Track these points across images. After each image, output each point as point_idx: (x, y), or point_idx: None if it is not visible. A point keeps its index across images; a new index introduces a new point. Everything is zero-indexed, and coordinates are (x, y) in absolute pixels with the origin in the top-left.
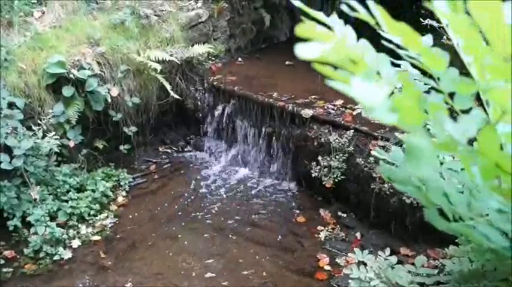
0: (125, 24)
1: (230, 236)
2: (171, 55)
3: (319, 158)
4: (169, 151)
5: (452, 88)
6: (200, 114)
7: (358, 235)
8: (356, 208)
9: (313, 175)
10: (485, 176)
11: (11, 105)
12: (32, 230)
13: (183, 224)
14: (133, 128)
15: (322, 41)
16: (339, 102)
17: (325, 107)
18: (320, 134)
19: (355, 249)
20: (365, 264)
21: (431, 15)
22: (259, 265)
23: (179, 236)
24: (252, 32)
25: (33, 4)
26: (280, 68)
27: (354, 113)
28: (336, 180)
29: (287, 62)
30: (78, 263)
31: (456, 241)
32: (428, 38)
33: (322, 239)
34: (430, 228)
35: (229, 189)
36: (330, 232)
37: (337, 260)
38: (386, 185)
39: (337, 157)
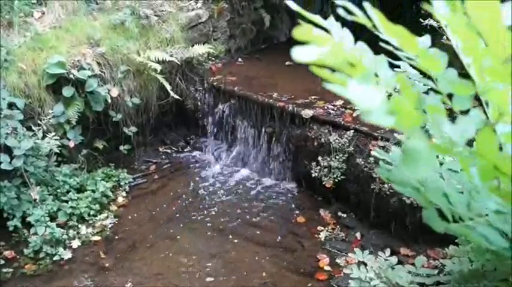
0: (125, 24)
1: (230, 236)
2: (171, 55)
3: (319, 158)
4: (169, 151)
5: (450, 90)
6: (200, 115)
7: (358, 235)
8: (356, 208)
9: (313, 175)
10: (484, 178)
11: (11, 105)
12: (32, 230)
13: (183, 224)
14: (134, 129)
15: (319, 44)
16: (339, 102)
17: (325, 108)
18: (320, 134)
19: (355, 249)
20: (365, 264)
21: (431, 15)
22: (259, 265)
23: (179, 236)
24: (252, 32)
25: (33, 4)
26: (280, 69)
27: (354, 113)
28: (336, 180)
29: (287, 63)
30: (78, 264)
31: (456, 241)
32: (427, 39)
33: (322, 239)
34: (430, 228)
35: (229, 189)
36: (330, 232)
37: (337, 260)
38: (386, 186)
39: (337, 157)
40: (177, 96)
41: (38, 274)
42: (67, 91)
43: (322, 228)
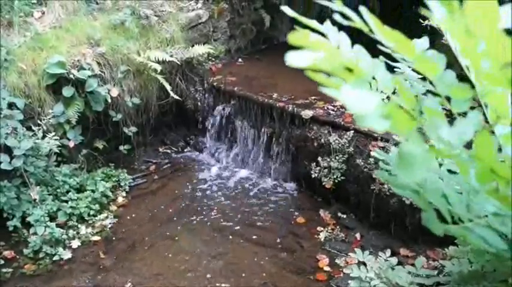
0: (125, 24)
1: (230, 236)
2: (171, 56)
3: (319, 158)
4: (169, 151)
5: (447, 93)
6: (200, 115)
7: (358, 235)
8: (356, 209)
9: (313, 176)
10: (481, 180)
11: (11, 105)
12: (32, 230)
13: (182, 224)
14: (133, 129)
15: (314, 49)
16: (339, 103)
17: (325, 108)
18: (320, 134)
19: (356, 249)
20: (365, 264)
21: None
22: (259, 266)
23: (179, 236)
24: (252, 32)
25: (33, 4)
26: (280, 69)
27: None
28: (336, 181)
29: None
30: (77, 264)
31: (456, 241)
32: (425, 41)
33: (322, 240)
34: (429, 229)
35: (229, 190)
36: (329, 232)
37: (336, 261)
38: (386, 186)
39: (337, 157)
40: (177, 97)
41: (38, 274)
42: (67, 91)
43: (322, 229)
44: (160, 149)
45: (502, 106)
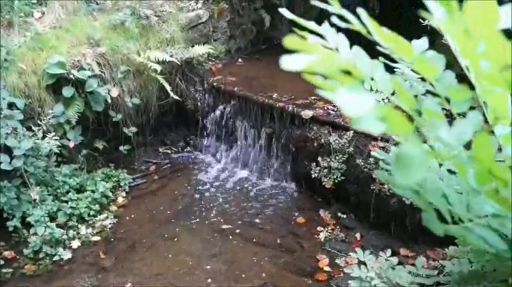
0: (125, 24)
1: (230, 237)
2: (171, 56)
3: (319, 159)
4: (169, 151)
5: (446, 94)
6: (200, 115)
7: (358, 235)
8: (356, 209)
9: (313, 176)
10: (480, 181)
11: (11, 105)
12: (32, 230)
13: (182, 224)
14: (133, 129)
15: (310, 53)
16: None
17: (325, 108)
18: (320, 135)
19: (356, 249)
20: (365, 264)
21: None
22: (259, 266)
23: (179, 237)
24: (252, 32)
25: (33, 4)
26: (280, 69)
27: None
28: (336, 181)
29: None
30: (77, 264)
31: (456, 241)
32: (424, 42)
33: (322, 240)
34: (429, 229)
35: (228, 190)
36: (329, 232)
37: (337, 261)
38: (386, 186)
39: (337, 157)
40: (177, 97)
41: (38, 274)
42: (67, 91)
43: (322, 229)
44: (160, 150)
45: (501, 107)
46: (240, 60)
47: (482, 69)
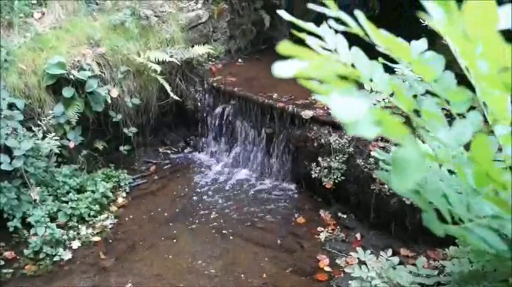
0: (125, 25)
1: (230, 237)
2: (171, 56)
3: (319, 159)
4: (169, 151)
5: (445, 96)
6: (200, 115)
7: (358, 235)
8: (356, 209)
9: (313, 176)
10: (478, 183)
11: (11, 106)
12: (32, 231)
13: (183, 225)
14: (134, 129)
15: (303, 59)
16: None
17: (325, 108)
18: (320, 135)
19: (357, 248)
20: (365, 264)
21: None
22: (259, 266)
23: (179, 237)
24: (252, 33)
25: (33, 5)
26: None
27: None
28: (336, 181)
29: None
30: (78, 264)
31: (456, 241)
32: (423, 43)
33: (322, 240)
34: (430, 229)
35: (229, 190)
36: (330, 233)
37: (337, 261)
38: (386, 186)
39: (337, 157)
40: (177, 97)
41: (38, 275)
42: (67, 92)
43: (322, 229)
44: (161, 150)
45: (500, 108)
46: (240, 60)
47: (481, 70)
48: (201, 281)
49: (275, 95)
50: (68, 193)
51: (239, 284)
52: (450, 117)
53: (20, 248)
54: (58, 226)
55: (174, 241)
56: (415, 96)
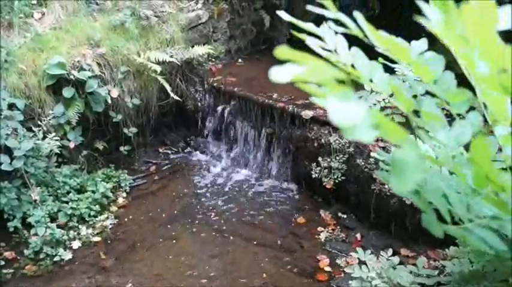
0: (125, 25)
1: (230, 237)
2: (171, 56)
3: (320, 159)
4: (169, 152)
5: (445, 97)
6: (200, 116)
7: (358, 235)
8: (356, 209)
9: (313, 176)
10: (478, 184)
11: (11, 106)
12: (32, 231)
13: (183, 225)
14: (134, 129)
15: (301, 64)
16: None
17: (325, 108)
18: (320, 135)
19: (357, 249)
20: (366, 264)
21: None
22: (259, 266)
23: (179, 237)
24: (252, 33)
25: (33, 5)
26: None
27: None
28: (336, 181)
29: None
30: (78, 264)
31: (456, 241)
32: (423, 43)
33: (322, 240)
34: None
35: (229, 190)
36: (330, 233)
37: (337, 261)
38: (386, 186)
39: (337, 157)
40: (177, 97)
41: (38, 275)
42: (67, 92)
43: (322, 229)
44: (161, 150)
45: (500, 109)
46: (240, 60)
47: (479, 72)
48: (201, 281)
49: (275, 95)
50: (68, 193)
51: (239, 284)
52: (450, 117)
53: (20, 248)
54: (58, 226)
55: (174, 241)
56: (415, 96)
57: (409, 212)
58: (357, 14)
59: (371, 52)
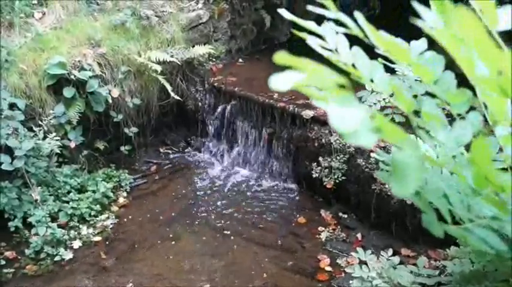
0: (126, 25)
1: (231, 237)
2: (172, 56)
3: (320, 159)
4: (170, 151)
5: (445, 98)
6: (201, 115)
7: (359, 235)
8: (357, 209)
9: (313, 176)
10: (478, 185)
11: (12, 106)
12: (33, 231)
13: (183, 225)
14: (134, 129)
15: (300, 70)
16: None
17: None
18: (321, 135)
19: (357, 248)
20: (366, 264)
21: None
22: (260, 266)
23: (180, 237)
24: (252, 33)
25: (34, 5)
26: (281, 69)
27: None
28: (337, 181)
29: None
30: (79, 264)
31: (457, 241)
32: (423, 43)
33: (323, 240)
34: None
35: (229, 190)
36: (330, 232)
37: (338, 261)
38: (387, 186)
39: (337, 157)
40: (177, 97)
41: (39, 275)
42: (68, 92)
43: (323, 229)
44: (161, 150)
45: (500, 109)
46: (240, 60)
47: (478, 73)
48: (201, 281)
49: (276, 95)
50: (68, 192)
51: (240, 284)
52: (450, 117)
53: (21, 248)
54: (59, 226)
55: (175, 241)
56: (415, 96)
57: (410, 212)
58: (358, 14)
59: (372, 52)
